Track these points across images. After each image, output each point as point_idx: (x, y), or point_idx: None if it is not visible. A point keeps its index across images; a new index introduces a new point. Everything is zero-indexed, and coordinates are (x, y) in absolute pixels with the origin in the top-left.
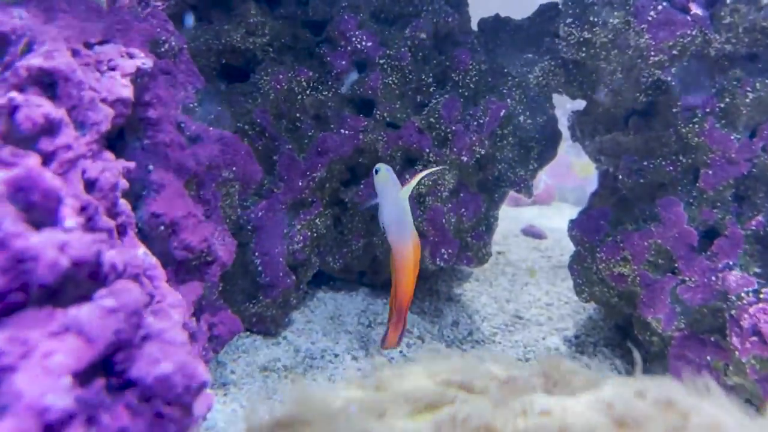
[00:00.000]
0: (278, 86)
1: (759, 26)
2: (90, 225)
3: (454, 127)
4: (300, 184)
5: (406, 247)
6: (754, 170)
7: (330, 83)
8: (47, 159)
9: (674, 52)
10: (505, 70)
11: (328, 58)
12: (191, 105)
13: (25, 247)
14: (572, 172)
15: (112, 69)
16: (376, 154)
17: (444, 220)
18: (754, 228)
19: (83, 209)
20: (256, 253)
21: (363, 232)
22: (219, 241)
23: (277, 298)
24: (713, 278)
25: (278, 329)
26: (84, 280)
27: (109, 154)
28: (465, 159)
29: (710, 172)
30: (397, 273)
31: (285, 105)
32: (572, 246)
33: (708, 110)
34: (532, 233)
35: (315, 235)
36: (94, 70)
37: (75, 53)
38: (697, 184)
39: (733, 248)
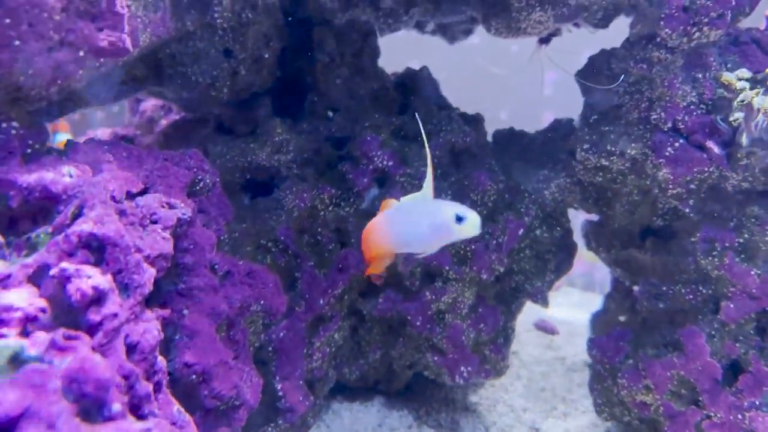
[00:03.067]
0: (302, 204)
1: None
2: (132, 394)
3: (473, 246)
4: (321, 302)
5: None
6: None
7: (351, 200)
8: (93, 329)
9: (692, 186)
10: (522, 187)
11: (350, 176)
12: (221, 237)
13: None
14: (580, 257)
15: (154, 222)
16: (395, 269)
17: (464, 338)
18: None
19: (126, 378)
20: (277, 377)
21: (380, 344)
22: (246, 384)
23: (296, 422)
24: (739, 416)
25: None
26: None
27: (148, 313)
28: (485, 277)
29: (731, 305)
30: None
31: (308, 221)
32: (584, 342)
33: (727, 245)
34: (544, 328)
35: (333, 349)
36: (138, 227)
37: (121, 213)
38: (719, 316)
39: (758, 386)
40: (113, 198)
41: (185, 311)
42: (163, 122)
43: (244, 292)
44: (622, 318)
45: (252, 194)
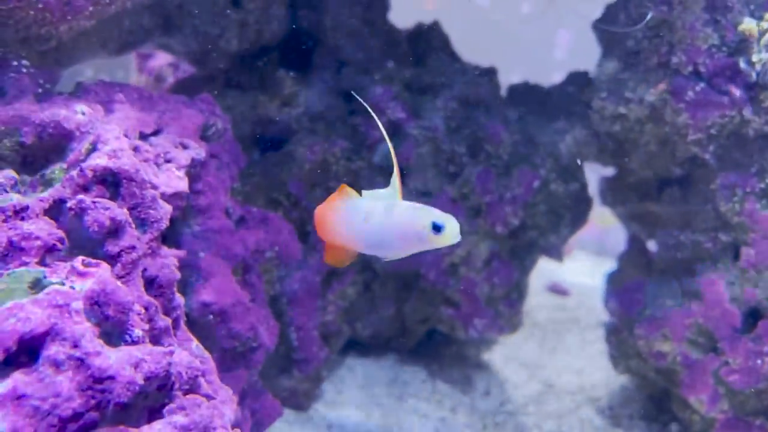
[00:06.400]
0: (313, 157)
1: None
2: (152, 326)
3: (487, 199)
4: None
5: None
6: None
7: (363, 153)
8: (112, 260)
9: (712, 131)
10: (537, 140)
11: (362, 129)
12: (233, 185)
13: (103, 367)
14: (592, 221)
15: (168, 161)
16: None
17: (477, 290)
18: None
19: (146, 310)
20: (292, 327)
21: (393, 299)
22: (264, 326)
23: (311, 373)
24: (759, 361)
25: (310, 402)
26: (153, 392)
27: (165, 250)
28: (499, 230)
29: (752, 251)
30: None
31: (319, 174)
32: (597, 303)
33: (748, 190)
34: (557, 290)
35: (346, 304)
36: (153, 164)
37: (136, 150)
38: (738, 263)
39: None
40: (126, 136)
41: (201, 254)
42: (171, 80)
43: (258, 235)
44: (637, 273)
45: (262, 150)
